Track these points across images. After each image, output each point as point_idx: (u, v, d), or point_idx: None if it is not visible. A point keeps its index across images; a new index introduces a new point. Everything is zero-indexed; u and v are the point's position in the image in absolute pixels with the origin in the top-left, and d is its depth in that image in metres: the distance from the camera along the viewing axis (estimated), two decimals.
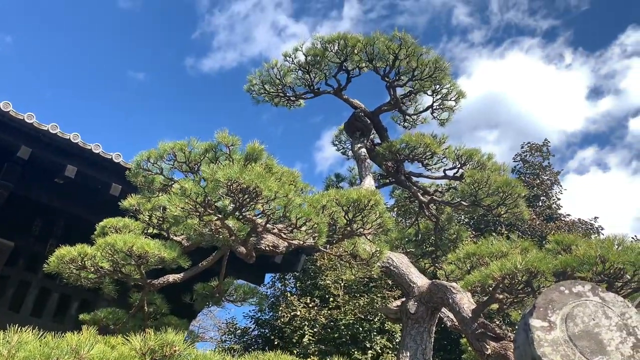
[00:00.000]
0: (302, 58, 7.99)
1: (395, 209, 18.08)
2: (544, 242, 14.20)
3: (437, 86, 8.59)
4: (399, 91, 8.78)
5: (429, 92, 8.67)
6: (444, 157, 8.35)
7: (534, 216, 19.57)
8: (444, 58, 7.65)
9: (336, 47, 7.81)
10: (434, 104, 8.92)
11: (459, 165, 8.55)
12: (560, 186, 23.36)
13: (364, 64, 7.86)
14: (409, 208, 16.80)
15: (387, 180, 8.96)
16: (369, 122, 8.71)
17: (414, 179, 8.81)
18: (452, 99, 8.88)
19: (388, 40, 7.41)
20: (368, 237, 5.41)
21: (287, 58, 8.06)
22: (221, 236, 4.67)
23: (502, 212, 7.40)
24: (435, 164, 8.23)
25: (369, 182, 7.71)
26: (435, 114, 9.13)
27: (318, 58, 7.82)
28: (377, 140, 8.98)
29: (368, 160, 8.25)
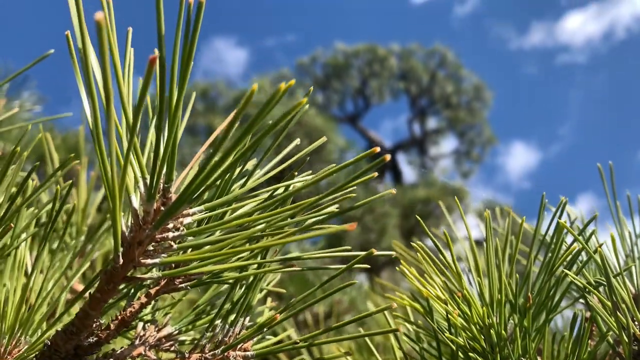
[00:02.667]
0: (319, 70, 6.74)
1: None
2: None
3: (467, 127, 7.40)
4: (417, 129, 7.56)
5: (458, 131, 7.46)
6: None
7: None
8: (485, 85, 6.47)
9: (360, 62, 6.58)
10: (460, 148, 7.70)
11: None
12: None
13: (392, 82, 6.62)
14: None
15: None
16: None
17: None
18: (481, 144, 7.69)
19: (426, 55, 6.23)
20: None
21: (302, 68, 6.79)
22: None
23: None
24: None
25: None
26: (459, 161, 7.91)
27: (340, 71, 6.56)
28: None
29: None
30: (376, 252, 0.61)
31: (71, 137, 2.51)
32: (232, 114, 0.59)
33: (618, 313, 0.70)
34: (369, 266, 0.76)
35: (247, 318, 0.68)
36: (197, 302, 0.74)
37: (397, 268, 0.76)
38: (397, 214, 6.81)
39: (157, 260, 0.53)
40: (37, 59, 0.96)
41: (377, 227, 6.05)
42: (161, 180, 0.52)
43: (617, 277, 0.73)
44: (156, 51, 0.47)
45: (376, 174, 0.67)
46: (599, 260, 0.67)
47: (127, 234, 0.53)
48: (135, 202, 0.53)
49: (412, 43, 6.46)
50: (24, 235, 0.73)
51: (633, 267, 0.84)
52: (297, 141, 0.75)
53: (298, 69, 6.82)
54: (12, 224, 0.65)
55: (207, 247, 0.52)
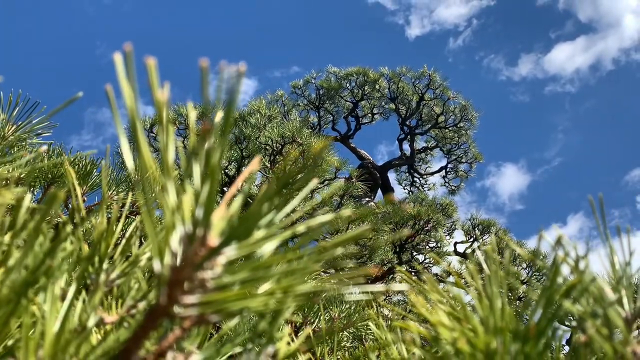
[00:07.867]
0: (312, 92, 6.84)
1: None
2: None
3: (454, 146, 7.50)
4: (407, 148, 7.67)
5: (445, 150, 7.58)
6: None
7: None
8: (471, 105, 6.58)
9: (353, 84, 6.69)
10: (448, 165, 7.79)
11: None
12: None
13: (383, 103, 6.74)
14: None
15: None
16: (378, 176, 7.48)
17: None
18: (468, 161, 7.79)
19: (415, 78, 6.35)
20: None
21: (297, 90, 6.88)
22: None
23: None
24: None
25: None
26: (447, 178, 8.01)
27: (332, 92, 6.66)
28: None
29: None
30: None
31: (80, 159, 2.54)
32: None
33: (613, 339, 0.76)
34: (371, 281, 0.81)
35: (270, 347, 0.73)
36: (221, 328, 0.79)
37: (406, 298, 0.82)
38: (389, 230, 6.89)
39: (196, 299, 0.58)
40: (67, 102, 1.01)
41: (370, 243, 6.12)
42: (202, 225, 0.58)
43: (612, 306, 0.79)
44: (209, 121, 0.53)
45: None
46: (596, 291, 0.73)
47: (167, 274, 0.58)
48: (175, 244, 0.59)
49: (401, 67, 6.63)
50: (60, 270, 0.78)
51: (624, 294, 0.90)
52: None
53: (293, 91, 6.94)
54: (52, 263, 0.70)
55: (243, 287, 0.57)
